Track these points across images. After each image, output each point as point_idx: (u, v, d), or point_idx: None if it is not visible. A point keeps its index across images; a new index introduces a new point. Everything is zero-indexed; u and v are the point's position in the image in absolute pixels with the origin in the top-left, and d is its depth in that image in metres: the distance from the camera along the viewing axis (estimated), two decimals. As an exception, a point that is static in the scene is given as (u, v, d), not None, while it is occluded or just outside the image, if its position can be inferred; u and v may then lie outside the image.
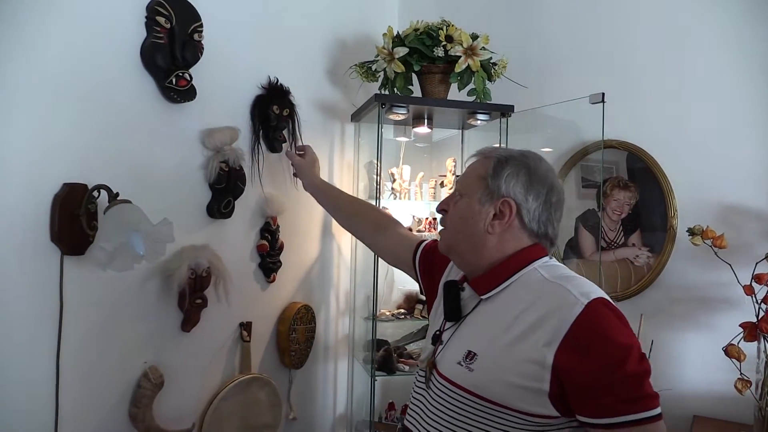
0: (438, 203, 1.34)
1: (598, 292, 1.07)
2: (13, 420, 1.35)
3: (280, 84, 2.02)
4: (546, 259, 1.20)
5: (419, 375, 1.27)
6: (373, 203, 2.19)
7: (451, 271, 1.41)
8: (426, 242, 1.58)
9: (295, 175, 2.03)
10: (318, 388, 2.38)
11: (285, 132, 2.06)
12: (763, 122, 2.01)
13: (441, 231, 1.31)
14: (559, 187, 1.23)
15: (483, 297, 1.19)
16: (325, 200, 1.93)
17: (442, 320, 1.28)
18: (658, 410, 1.00)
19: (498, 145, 1.30)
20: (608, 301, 1.07)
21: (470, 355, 1.12)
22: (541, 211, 1.20)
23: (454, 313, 1.23)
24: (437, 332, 1.27)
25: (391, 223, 1.75)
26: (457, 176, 2.48)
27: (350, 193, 2.46)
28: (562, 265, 1.21)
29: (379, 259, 2.12)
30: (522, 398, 1.04)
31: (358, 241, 2.44)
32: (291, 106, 2.07)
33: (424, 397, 1.21)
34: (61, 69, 1.41)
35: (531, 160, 1.22)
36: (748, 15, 2.05)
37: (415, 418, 1.21)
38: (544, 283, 1.13)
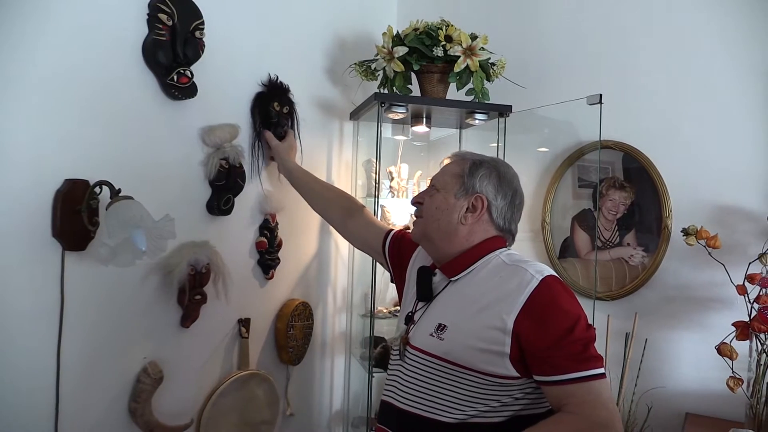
0: (414, 196, 1.50)
1: (551, 271, 1.26)
2: (13, 414, 1.35)
3: (280, 81, 2.03)
4: (505, 249, 1.38)
5: (393, 353, 1.44)
6: (371, 201, 2.20)
7: (417, 257, 1.56)
8: (394, 231, 1.72)
9: (272, 158, 2.05)
10: (315, 384, 2.39)
11: (285, 129, 2.06)
12: (758, 124, 2.04)
13: (416, 220, 1.46)
14: (521, 192, 1.43)
15: (452, 279, 1.35)
16: (298, 184, 1.99)
17: (414, 302, 1.44)
18: (602, 370, 1.16)
19: (467, 150, 1.50)
20: (559, 278, 1.26)
21: (441, 327, 1.29)
22: (506, 209, 1.39)
23: (426, 294, 1.38)
24: (410, 313, 1.42)
25: (360, 209, 1.86)
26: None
27: (348, 191, 2.47)
28: (519, 253, 1.37)
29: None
30: (486, 361, 1.20)
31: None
32: (291, 104, 2.08)
33: (399, 370, 1.36)
34: (62, 65, 1.41)
35: (501, 166, 1.42)
36: (743, 17, 2.07)
37: (392, 390, 1.36)
38: (504, 266, 1.30)
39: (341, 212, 1.87)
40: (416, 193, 2.48)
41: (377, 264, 2.15)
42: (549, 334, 1.16)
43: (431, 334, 1.29)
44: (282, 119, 2.03)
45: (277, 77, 2.03)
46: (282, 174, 2.03)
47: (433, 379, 1.27)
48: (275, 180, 2.10)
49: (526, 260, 1.30)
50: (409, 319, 1.41)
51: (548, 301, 1.19)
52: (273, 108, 1.99)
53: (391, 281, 1.72)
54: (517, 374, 1.19)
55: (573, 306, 1.21)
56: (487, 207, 1.36)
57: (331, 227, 2.35)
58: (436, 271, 1.41)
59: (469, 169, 1.38)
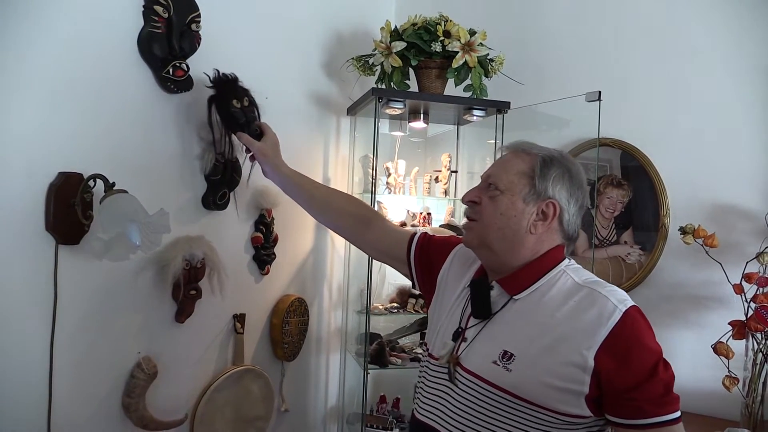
0: (465, 193, 1.28)
1: (631, 300, 1.11)
2: (6, 408, 1.34)
3: (223, 74, 1.72)
4: (567, 261, 1.22)
5: (432, 368, 1.27)
6: (368, 197, 2.19)
7: (453, 262, 1.40)
8: (418, 236, 1.53)
9: (251, 158, 1.77)
10: (310, 380, 2.39)
11: (258, 124, 1.81)
12: (757, 122, 2.04)
13: (471, 224, 1.26)
14: (587, 192, 1.26)
15: (516, 297, 1.19)
16: (295, 193, 1.73)
17: (461, 317, 1.27)
18: (679, 413, 1.06)
19: (527, 141, 1.27)
20: (639, 308, 1.11)
21: (507, 356, 1.13)
22: (577, 215, 1.22)
23: (484, 311, 1.21)
24: (459, 329, 1.25)
25: (375, 216, 1.66)
26: (452, 171, 2.48)
27: (345, 187, 2.46)
28: (581, 267, 1.23)
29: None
30: (560, 399, 1.07)
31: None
32: (247, 92, 1.76)
33: (447, 393, 1.21)
34: (57, 58, 1.40)
35: (572, 164, 1.23)
36: (743, 15, 2.07)
37: (436, 414, 1.21)
38: (576, 288, 1.15)
39: (355, 223, 1.64)
40: (413, 190, 2.50)
41: (373, 260, 2.14)
42: (632, 375, 1.04)
43: (495, 362, 1.13)
44: (249, 114, 1.74)
45: (218, 71, 1.71)
46: (270, 179, 1.76)
47: (493, 411, 1.13)
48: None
49: (598, 280, 1.17)
50: (458, 336, 1.24)
51: (632, 337, 1.06)
52: (234, 107, 1.70)
53: (413, 287, 1.56)
54: (590, 414, 1.08)
55: (655, 342, 1.09)
56: (559, 214, 1.20)
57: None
58: (493, 283, 1.23)
59: (540, 168, 1.19)
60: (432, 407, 1.22)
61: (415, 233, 1.55)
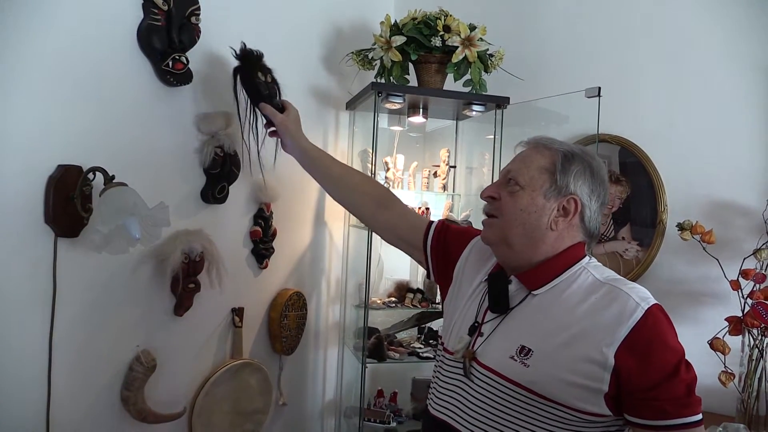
0: (484, 189, 1.26)
1: (653, 298, 1.10)
2: (5, 402, 1.34)
3: (250, 49, 1.72)
4: (588, 258, 1.20)
5: (447, 363, 1.25)
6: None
7: (471, 254, 1.38)
8: (436, 223, 1.49)
9: (271, 134, 1.77)
10: (308, 374, 2.39)
11: (281, 100, 1.82)
12: (755, 120, 2.04)
13: (491, 220, 1.24)
14: (608, 189, 1.25)
15: (535, 292, 1.17)
16: (313, 167, 1.71)
17: (478, 311, 1.25)
18: (701, 416, 1.05)
19: (546, 136, 1.26)
20: (662, 306, 1.09)
21: (525, 351, 1.11)
22: (598, 212, 1.21)
23: (502, 306, 1.19)
24: (476, 323, 1.23)
25: (392, 198, 1.62)
26: (451, 166, 2.48)
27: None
28: (602, 264, 1.22)
29: (370, 248, 2.13)
30: (578, 397, 1.05)
31: (351, 230, 2.45)
32: (270, 71, 1.77)
33: (462, 388, 1.19)
34: (57, 50, 1.39)
35: (594, 160, 1.21)
36: (741, 12, 2.07)
37: (451, 409, 1.20)
38: (597, 285, 1.13)
39: (371, 202, 1.60)
40: (411, 185, 2.50)
41: (371, 255, 2.15)
42: (653, 374, 1.02)
43: (512, 357, 1.11)
44: (272, 90, 1.74)
45: (245, 44, 1.71)
46: (289, 153, 1.74)
47: (510, 407, 1.11)
48: (271, 168, 2.07)
49: (620, 278, 1.15)
50: (474, 330, 1.22)
51: (654, 335, 1.05)
52: (259, 79, 1.70)
53: (427, 277, 1.55)
54: (609, 413, 1.06)
55: (677, 341, 1.07)
56: (580, 210, 1.18)
57: (333, 220, 2.35)
58: (511, 278, 1.22)
59: (561, 163, 1.17)
60: (447, 402, 1.21)
61: (432, 221, 1.52)
